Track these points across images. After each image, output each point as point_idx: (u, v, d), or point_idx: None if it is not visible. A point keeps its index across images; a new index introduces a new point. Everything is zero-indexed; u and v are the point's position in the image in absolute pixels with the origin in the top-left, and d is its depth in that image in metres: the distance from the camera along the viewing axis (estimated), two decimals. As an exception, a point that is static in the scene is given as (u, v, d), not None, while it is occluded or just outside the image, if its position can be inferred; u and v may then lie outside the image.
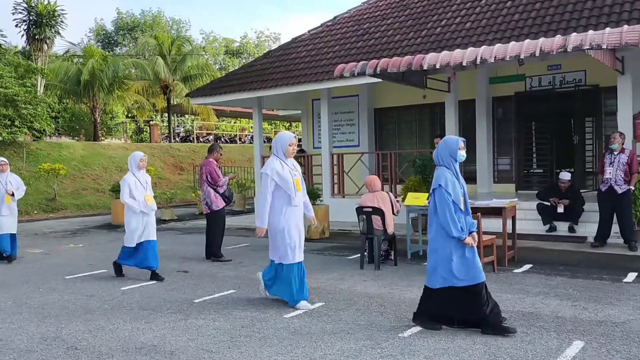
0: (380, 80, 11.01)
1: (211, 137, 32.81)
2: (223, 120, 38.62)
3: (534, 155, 13.25)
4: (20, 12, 26.49)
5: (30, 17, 26.47)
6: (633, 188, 8.61)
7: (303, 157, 14.33)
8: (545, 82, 12.39)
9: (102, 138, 27.95)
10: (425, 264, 8.04)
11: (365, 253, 8.13)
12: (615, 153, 8.60)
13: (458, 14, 13.08)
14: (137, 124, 35.75)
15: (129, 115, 34.92)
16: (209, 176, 9.02)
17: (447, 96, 11.97)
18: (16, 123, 19.38)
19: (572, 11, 11.03)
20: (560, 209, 9.84)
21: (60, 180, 19.27)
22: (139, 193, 7.59)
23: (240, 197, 17.73)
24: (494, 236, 7.52)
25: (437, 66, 9.14)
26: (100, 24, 48.32)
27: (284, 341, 4.85)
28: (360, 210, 8.08)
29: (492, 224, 8.65)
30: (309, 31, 16.05)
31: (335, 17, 16.12)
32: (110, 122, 31.46)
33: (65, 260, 9.60)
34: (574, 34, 8.64)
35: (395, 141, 14.97)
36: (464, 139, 5.16)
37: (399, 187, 12.44)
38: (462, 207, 4.91)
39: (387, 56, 11.49)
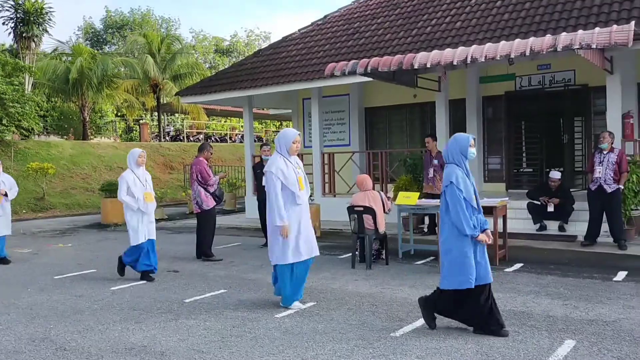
0: (371, 79, 11.01)
1: (201, 136, 32.68)
2: (213, 119, 38.50)
3: (524, 155, 13.31)
4: (7, 10, 26.29)
5: (18, 15, 26.25)
6: (622, 187, 8.66)
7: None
8: (535, 82, 12.44)
9: (91, 137, 27.75)
10: (417, 263, 8.13)
11: (357, 252, 8.12)
12: (605, 152, 8.64)
13: (448, 13, 13.11)
14: (126, 123, 35.53)
15: (119, 114, 34.70)
16: (199, 175, 8.97)
17: (438, 95, 11.99)
18: (4, 122, 19.21)
19: (561, 11, 11.08)
20: (551, 208, 9.88)
21: (49, 180, 19.11)
22: (137, 190, 7.43)
23: (231, 196, 17.67)
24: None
25: (428, 65, 9.15)
26: (88, 22, 48.02)
27: (276, 341, 4.83)
28: (351, 209, 8.06)
29: (483, 223, 8.65)
30: (299, 30, 16.02)
31: (325, 16, 16.10)
32: (100, 121, 31.26)
33: (54, 260, 9.52)
34: (564, 33, 8.68)
35: (386, 140, 14.97)
36: (474, 136, 5.03)
37: (390, 186, 12.44)
38: (474, 204, 4.81)
39: (378, 55, 11.48)
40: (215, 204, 9.15)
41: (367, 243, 7.89)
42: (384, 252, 8.22)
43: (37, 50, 27.56)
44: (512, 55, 8.47)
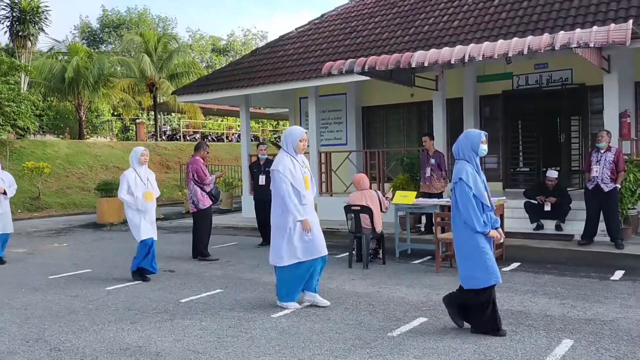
0: (368, 78, 10.99)
1: (198, 136, 32.62)
2: (210, 119, 38.45)
3: (521, 154, 13.30)
4: (3, 9, 26.13)
5: (14, 14, 26.09)
6: (619, 186, 8.65)
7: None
8: (532, 81, 12.42)
9: (88, 136, 27.67)
10: (414, 262, 8.10)
11: (354, 252, 8.09)
12: (602, 151, 8.63)
13: (446, 12, 13.09)
14: (123, 122, 35.45)
15: (115, 113, 34.60)
16: (195, 174, 8.93)
17: (435, 94, 11.96)
18: (-1, 121, 19.13)
19: (559, 10, 11.08)
20: (548, 207, 9.86)
21: (44, 179, 19.04)
22: (138, 190, 7.33)
23: (228, 195, 17.63)
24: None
25: (425, 64, 9.12)
26: (85, 21, 47.90)
27: (272, 341, 4.79)
28: (348, 208, 8.03)
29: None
30: (296, 29, 15.98)
31: (322, 15, 16.06)
32: (96, 120, 31.17)
33: (49, 259, 9.46)
34: (562, 32, 8.66)
35: (383, 139, 14.94)
36: (486, 133, 4.91)
37: (387, 186, 12.42)
38: (486, 202, 4.71)
39: (375, 54, 11.45)
40: (211, 203, 9.11)
41: (364, 242, 7.86)
42: (381, 251, 8.19)
43: (33, 49, 27.42)
44: (510, 54, 8.44)
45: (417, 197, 8.93)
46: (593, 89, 11.47)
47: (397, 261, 8.21)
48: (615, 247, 8.51)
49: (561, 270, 7.21)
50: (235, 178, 19.96)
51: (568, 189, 10.51)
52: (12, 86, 19.77)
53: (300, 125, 15.96)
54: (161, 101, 30.03)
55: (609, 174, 8.52)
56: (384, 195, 8.34)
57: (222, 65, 34.88)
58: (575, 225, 9.61)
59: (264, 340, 4.81)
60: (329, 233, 11.22)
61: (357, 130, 15.03)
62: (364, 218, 7.88)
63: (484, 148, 4.78)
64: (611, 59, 9.64)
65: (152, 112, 31.52)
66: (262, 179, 9.99)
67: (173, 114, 35.99)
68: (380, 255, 8.16)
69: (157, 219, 14.75)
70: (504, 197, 8.69)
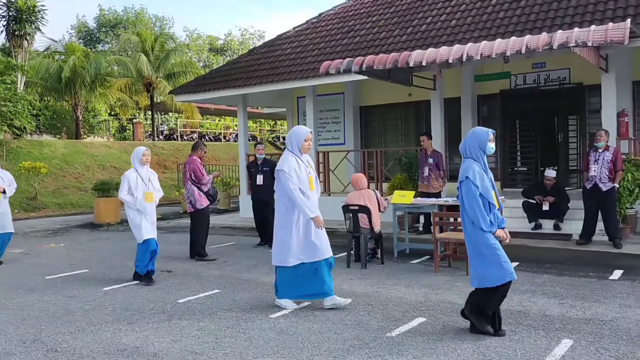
0: (366, 77, 10.97)
1: (195, 135, 32.55)
2: (207, 119, 38.37)
3: (519, 153, 13.29)
4: (0, 8, 26.06)
5: (10, 13, 26.05)
6: (617, 185, 8.65)
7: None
8: (530, 80, 12.42)
9: (84, 136, 27.58)
10: (412, 262, 8.08)
11: (352, 252, 8.06)
12: (600, 151, 8.63)
13: (444, 11, 13.07)
14: (120, 122, 35.36)
15: (112, 113, 34.52)
16: (192, 174, 8.89)
17: (433, 94, 11.95)
18: (-4, 121, 19.07)
19: (557, 9, 11.07)
20: (546, 207, 9.85)
21: (41, 179, 18.98)
22: (138, 190, 7.25)
23: (225, 195, 17.59)
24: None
25: (423, 63, 9.09)
26: (82, 21, 47.81)
27: (270, 342, 4.76)
28: (346, 208, 8.01)
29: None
30: (293, 28, 15.96)
31: (320, 14, 16.04)
32: (93, 120, 31.08)
33: (46, 260, 9.42)
34: (560, 31, 8.65)
35: (381, 139, 14.92)
36: (494, 131, 4.84)
37: (385, 185, 12.40)
38: (492, 201, 4.63)
39: (373, 53, 11.41)
40: (208, 203, 9.07)
41: (363, 242, 7.84)
42: (379, 251, 8.17)
43: (30, 48, 27.36)
44: (508, 53, 8.43)
45: (415, 196, 8.91)
46: (591, 89, 11.47)
47: (395, 261, 8.19)
48: (614, 247, 8.50)
49: (560, 270, 7.20)
50: (232, 178, 19.91)
51: (566, 189, 10.50)
52: (9, 86, 19.71)
53: (298, 124, 15.92)
54: (158, 101, 29.96)
55: (607, 173, 8.52)
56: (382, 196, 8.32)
57: (220, 65, 34.87)
58: (573, 225, 9.61)
59: (262, 341, 4.79)
60: (327, 233, 11.20)
61: (354, 130, 15.01)
62: (362, 218, 7.86)
63: (491, 146, 4.71)
64: (609, 58, 9.64)
65: (149, 112, 31.46)
66: (259, 179, 9.96)
67: (170, 114, 35.92)
68: (379, 255, 8.14)
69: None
70: (503, 197, 8.65)
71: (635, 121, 11.11)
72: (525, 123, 13.10)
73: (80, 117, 26.73)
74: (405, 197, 8.55)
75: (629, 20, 8.69)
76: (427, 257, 8.33)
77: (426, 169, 10.40)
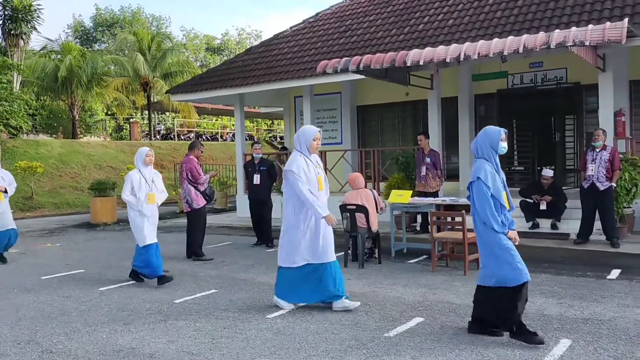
0: (363, 77, 10.95)
1: (192, 135, 32.49)
2: (204, 118, 38.30)
3: (516, 153, 13.29)
4: (-4, 7, 25.95)
5: (6, 12, 25.91)
6: (615, 185, 8.64)
7: (286, 155, 14.21)
8: (527, 80, 12.42)
9: (81, 136, 27.50)
10: (410, 261, 8.06)
11: (349, 251, 8.04)
12: (597, 150, 8.62)
13: (441, 10, 13.06)
14: (116, 122, 35.29)
15: (109, 112, 34.43)
16: (189, 174, 8.86)
17: (430, 93, 11.93)
18: (-9, 120, 18.99)
19: (554, 8, 11.07)
20: (543, 206, 9.84)
21: (37, 179, 18.91)
22: (141, 191, 7.12)
23: (222, 195, 17.55)
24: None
25: (421, 62, 9.08)
26: (78, 20, 47.63)
27: (267, 342, 4.74)
28: (343, 208, 7.99)
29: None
30: (291, 28, 15.92)
31: (317, 14, 16.01)
32: (89, 120, 31.01)
33: (42, 260, 9.38)
34: (557, 30, 8.64)
35: (378, 138, 14.91)
36: (506, 130, 4.73)
37: (382, 185, 12.37)
38: (504, 202, 4.56)
39: (370, 53, 11.40)
40: (205, 202, 9.04)
41: (360, 242, 7.82)
42: (376, 250, 8.15)
43: (26, 48, 27.23)
44: (505, 53, 8.42)
45: (412, 196, 8.90)
46: (588, 88, 11.48)
47: (393, 260, 8.17)
48: (611, 246, 8.49)
49: (557, 270, 7.18)
50: (229, 177, 19.88)
51: (563, 188, 10.50)
52: (5, 85, 19.62)
53: (295, 124, 15.92)
54: (155, 100, 29.89)
55: (605, 172, 8.51)
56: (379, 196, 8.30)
57: (217, 65, 34.81)
58: (570, 224, 9.59)
59: (259, 341, 4.76)
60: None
61: (352, 129, 15.00)
62: (360, 217, 7.84)
63: (503, 146, 4.62)
64: (606, 57, 9.63)
65: (146, 111, 31.39)
66: (256, 178, 9.94)
67: (167, 113, 35.85)
68: (376, 255, 8.12)
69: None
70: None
71: (633, 120, 11.12)
72: (522, 122, 13.10)
73: (77, 116, 26.65)
74: (402, 196, 8.53)
75: (626, 19, 8.68)
76: (424, 256, 8.31)
77: (423, 169, 10.38)
